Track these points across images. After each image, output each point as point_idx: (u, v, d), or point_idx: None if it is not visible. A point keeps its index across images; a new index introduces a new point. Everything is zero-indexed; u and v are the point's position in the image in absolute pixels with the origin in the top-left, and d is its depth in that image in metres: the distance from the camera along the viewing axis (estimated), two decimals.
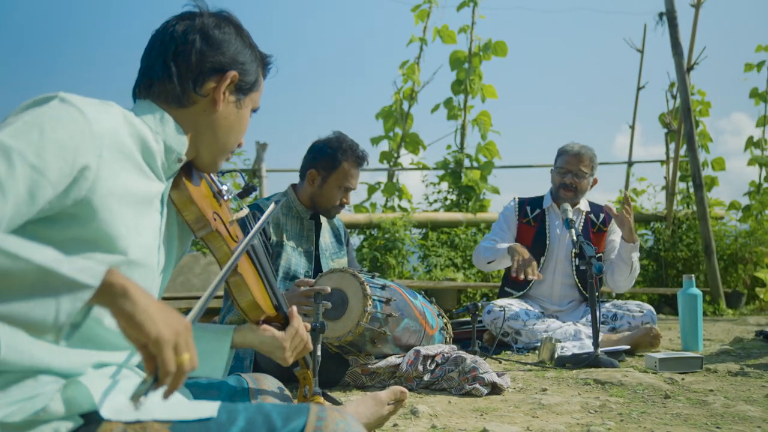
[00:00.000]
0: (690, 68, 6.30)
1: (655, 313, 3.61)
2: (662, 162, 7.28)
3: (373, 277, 2.66)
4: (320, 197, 2.82)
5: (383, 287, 2.61)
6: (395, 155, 7.18)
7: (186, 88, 1.18)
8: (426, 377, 2.51)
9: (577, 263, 3.68)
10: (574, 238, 3.13)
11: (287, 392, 1.47)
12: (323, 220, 2.96)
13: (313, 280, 2.55)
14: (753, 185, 7.80)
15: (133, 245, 1.06)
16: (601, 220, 3.84)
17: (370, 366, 2.53)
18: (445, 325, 2.93)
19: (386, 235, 6.12)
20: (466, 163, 7.05)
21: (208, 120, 1.21)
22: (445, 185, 7.06)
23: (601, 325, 3.41)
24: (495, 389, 2.42)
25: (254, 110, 1.31)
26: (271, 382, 1.45)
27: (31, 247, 0.82)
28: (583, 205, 3.85)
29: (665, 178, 7.15)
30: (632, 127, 7.49)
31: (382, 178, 7.17)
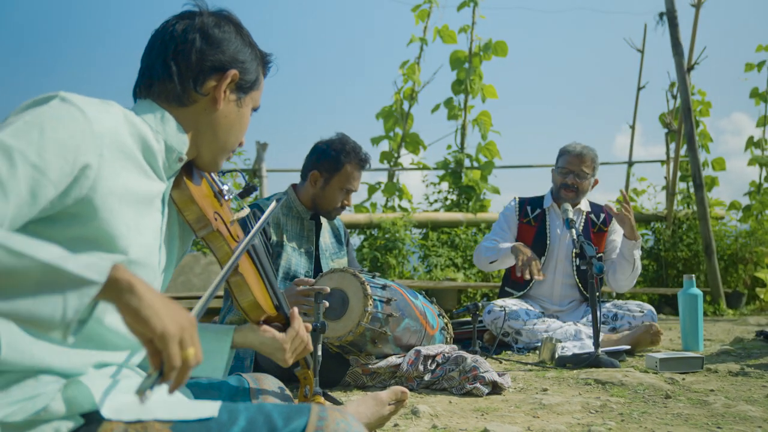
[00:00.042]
0: (690, 68, 6.30)
1: (655, 312, 3.61)
2: (662, 162, 7.28)
3: (373, 277, 2.66)
4: (322, 199, 2.82)
5: (384, 287, 2.61)
6: (395, 155, 7.18)
7: (186, 87, 1.18)
8: (427, 377, 2.51)
9: (577, 263, 3.68)
10: (575, 238, 3.12)
11: (288, 392, 1.47)
12: (323, 220, 2.96)
13: (313, 280, 2.55)
14: (753, 185, 7.80)
15: (133, 245, 1.06)
16: (601, 220, 3.84)
17: (370, 366, 2.52)
18: (446, 325, 2.93)
19: (386, 235, 6.12)
20: (467, 163, 7.05)
21: (208, 119, 1.21)
22: (445, 185, 7.07)
23: (601, 325, 3.41)
24: (495, 388, 2.42)
25: (255, 109, 1.31)
26: (271, 382, 1.45)
27: (35, 244, 0.83)
28: (584, 205, 3.85)
29: (665, 178, 7.15)
30: (632, 127, 7.49)
31: (383, 178, 7.17)
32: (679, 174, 6.97)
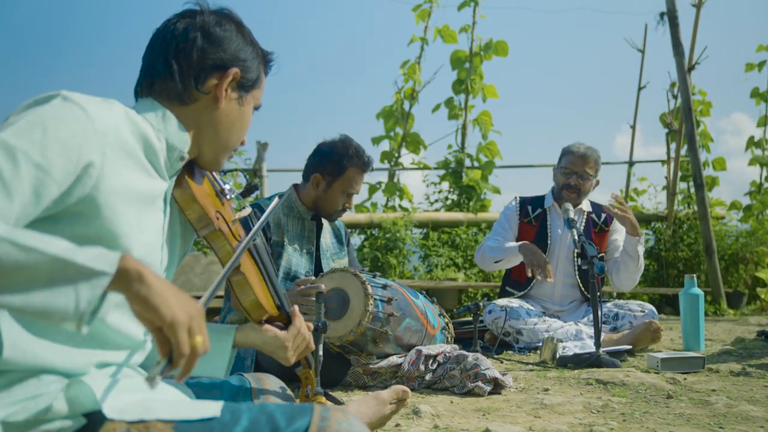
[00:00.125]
0: (691, 68, 6.29)
1: (656, 312, 3.60)
2: (663, 162, 7.28)
3: (374, 276, 2.66)
4: (324, 201, 2.82)
5: (384, 287, 2.61)
6: (396, 155, 7.18)
7: (188, 86, 1.18)
8: (428, 377, 2.50)
9: (578, 263, 3.67)
10: (576, 237, 3.12)
11: (289, 392, 1.47)
12: (324, 220, 2.96)
13: (314, 278, 2.55)
14: (754, 185, 7.81)
15: (135, 243, 1.06)
16: (602, 219, 3.83)
17: (371, 366, 2.52)
18: (447, 324, 2.92)
19: (387, 235, 6.12)
20: (467, 162, 7.05)
21: (210, 117, 1.21)
22: (446, 185, 7.07)
23: (602, 325, 3.40)
24: (497, 387, 2.42)
25: (256, 108, 1.31)
26: (273, 382, 1.44)
27: (43, 239, 0.83)
28: (585, 204, 3.85)
29: (666, 178, 7.14)
30: (633, 127, 7.48)
31: (383, 177, 7.17)
32: (679, 174, 6.96)
